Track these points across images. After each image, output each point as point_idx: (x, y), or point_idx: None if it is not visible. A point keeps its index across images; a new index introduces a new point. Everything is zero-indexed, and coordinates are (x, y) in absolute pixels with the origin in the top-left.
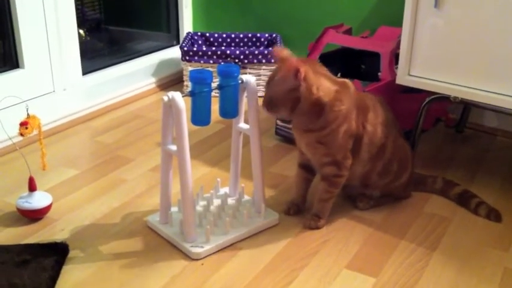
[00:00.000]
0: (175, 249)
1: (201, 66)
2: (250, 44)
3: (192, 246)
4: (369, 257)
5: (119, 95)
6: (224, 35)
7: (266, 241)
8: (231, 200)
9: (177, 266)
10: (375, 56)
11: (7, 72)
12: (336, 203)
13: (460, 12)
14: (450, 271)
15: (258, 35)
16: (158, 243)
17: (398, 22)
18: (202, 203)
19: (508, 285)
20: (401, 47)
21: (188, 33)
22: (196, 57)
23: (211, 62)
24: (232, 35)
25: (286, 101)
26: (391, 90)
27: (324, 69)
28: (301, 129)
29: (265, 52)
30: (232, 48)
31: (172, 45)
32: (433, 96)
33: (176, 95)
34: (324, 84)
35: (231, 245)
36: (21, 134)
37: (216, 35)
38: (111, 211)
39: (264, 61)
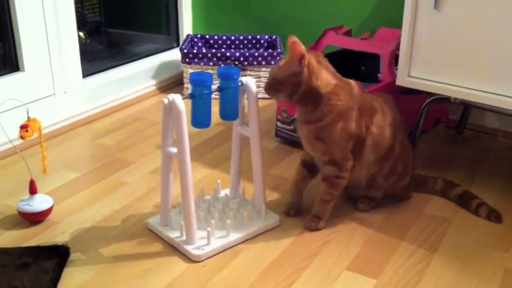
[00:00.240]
0: (176, 252)
1: (201, 69)
2: (250, 46)
3: (193, 249)
4: (370, 258)
5: (119, 97)
6: (224, 37)
7: (267, 243)
8: (232, 202)
9: (178, 269)
10: (374, 58)
11: (7, 75)
12: (336, 204)
13: (460, 13)
14: (451, 272)
15: (258, 37)
16: (159, 246)
17: (397, 23)
18: (203, 205)
19: (509, 286)
20: (401, 48)
21: (188, 36)
22: (196, 60)
23: (211, 64)
24: (232, 37)
25: (287, 85)
26: (391, 92)
27: (328, 63)
28: (301, 120)
29: (265, 54)
30: (232, 50)
31: (172, 48)
32: (433, 97)
33: (176, 98)
34: (324, 75)
35: (232, 247)
36: (22, 137)
37: (216, 37)
38: (112, 213)
39: (264, 63)
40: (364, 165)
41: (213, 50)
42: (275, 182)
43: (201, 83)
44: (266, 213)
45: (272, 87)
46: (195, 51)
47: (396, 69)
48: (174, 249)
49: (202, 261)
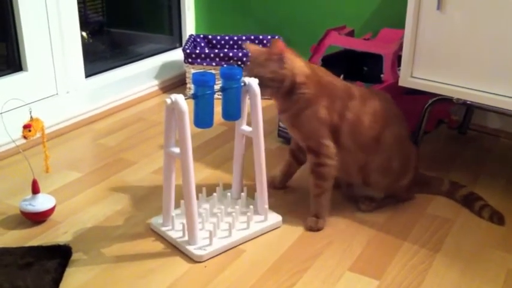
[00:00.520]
0: (178, 252)
1: (204, 69)
2: None
3: (195, 249)
4: (372, 258)
5: (122, 97)
6: (226, 37)
7: (269, 243)
8: (234, 202)
9: (180, 269)
10: (377, 58)
11: (10, 75)
12: (338, 204)
13: (463, 14)
14: (453, 273)
15: (261, 37)
16: (161, 246)
17: (400, 24)
18: (205, 205)
19: (511, 286)
20: (403, 48)
21: (191, 36)
22: (198, 60)
23: (213, 64)
24: (235, 37)
25: (274, 81)
26: (393, 92)
27: (299, 55)
28: (279, 110)
29: None
30: (235, 50)
31: (175, 48)
32: (435, 98)
33: (179, 98)
34: (298, 64)
35: (234, 247)
36: (25, 137)
37: (218, 37)
38: (114, 214)
39: None
40: (348, 154)
41: (216, 50)
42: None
43: (203, 83)
44: (268, 214)
45: (260, 84)
46: (197, 51)
47: (399, 69)
48: (176, 249)
49: (205, 261)
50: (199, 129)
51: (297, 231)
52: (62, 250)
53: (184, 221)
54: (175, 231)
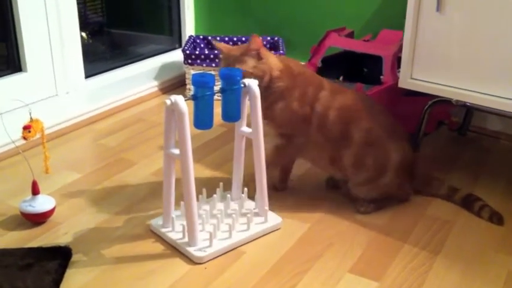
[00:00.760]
0: (178, 253)
1: (203, 70)
2: None
3: (195, 250)
4: (372, 260)
5: (122, 98)
6: (226, 38)
7: (269, 245)
8: (234, 203)
9: (180, 270)
10: (377, 59)
11: (10, 75)
12: (338, 206)
13: (462, 15)
14: (454, 274)
15: (260, 38)
16: (161, 248)
17: (400, 25)
18: (205, 206)
19: None
20: (403, 50)
21: (190, 37)
22: (198, 61)
23: (213, 65)
24: (235, 38)
25: (254, 77)
26: (393, 94)
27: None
28: None
29: None
30: None
31: (175, 49)
32: (435, 100)
33: (179, 99)
34: (274, 60)
35: (234, 248)
36: (24, 138)
37: (218, 38)
38: (114, 215)
39: None
40: (317, 146)
41: (216, 51)
42: None
43: (203, 84)
44: (268, 215)
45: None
46: (197, 52)
47: (398, 71)
48: (176, 250)
49: (205, 263)
50: (199, 130)
51: (297, 232)
52: (62, 251)
53: (184, 223)
54: (175, 233)
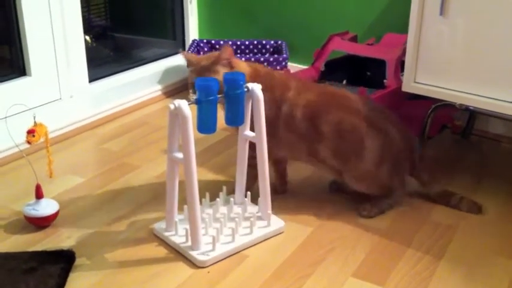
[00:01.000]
0: (181, 257)
1: None
2: (255, 51)
3: (198, 254)
4: (375, 265)
5: (125, 102)
6: (230, 42)
7: (272, 249)
8: (237, 207)
9: (183, 274)
10: (380, 63)
11: (14, 79)
12: (341, 210)
13: (465, 19)
14: (456, 279)
15: (264, 42)
16: (164, 251)
17: (403, 29)
18: (208, 210)
19: None
20: (407, 54)
21: (194, 41)
22: None
23: None
24: (238, 42)
25: None
26: (397, 97)
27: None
28: None
29: (271, 59)
30: (238, 55)
31: (178, 53)
32: (438, 103)
33: (182, 103)
34: (242, 65)
35: (237, 252)
36: (28, 142)
37: (221, 42)
38: (117, 218)
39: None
40: (289, 144)
41: None
42: None
43: (207, 88)
44: (271, 219)
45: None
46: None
47: (402, 75)
48: (179, 254)
49: (208, 267)
50: (202, 134)
51: (300, 236)
52: (65, 255)
53: (188, 226)
54: (178, 237)
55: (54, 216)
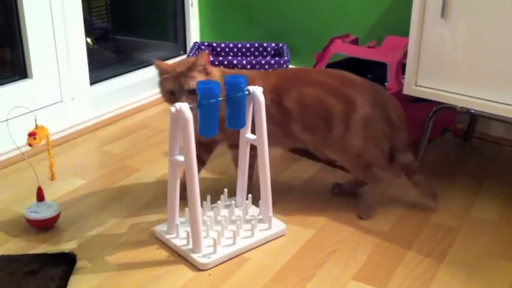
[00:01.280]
0: (182, 260)
1: None
2: (257, 53)
3: (199, 257)
4: (376, 267)
5: (126, 104)
6: (231, 45)
7: (273, 251)
8: (238, 210)
9: (185, 277)
10: (381, 66)
11: (16, 82)
12: (342, 213)
13: (467, 22)
14: (458, 282)
15: (265, 44)
16: (165, 254)
17: (404, 32)
18: (209, 213)
19: None
20: (408, 57)
21: (195, 43)
22: None
23: None
24: (239, 45)
25: None
26: (398, 100)
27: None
28: None
29: (272, 62)
30: (239, 58)
31: (180, 55)
32: (440, 106)
33: (183, 106)
34: (215, 71)
35: (239, 255)
36: (30, 144)
37: (222, 45)
38: (119, 221)
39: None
40: (272, 136)
41: (220, 58)
42: (282, 189)
43: (208, 91)
44: (272, 222)
45: (193, 95)
46: None
47: (403, 78)
48: (180, 257)
49: (209, 269)
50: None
51: (301, 239)
52: (66, 257)
53: (189, 229)
54: (179, 239)
55: (55, 218)
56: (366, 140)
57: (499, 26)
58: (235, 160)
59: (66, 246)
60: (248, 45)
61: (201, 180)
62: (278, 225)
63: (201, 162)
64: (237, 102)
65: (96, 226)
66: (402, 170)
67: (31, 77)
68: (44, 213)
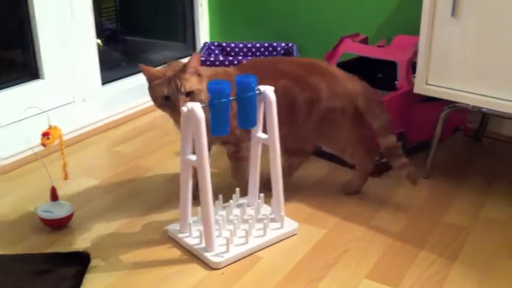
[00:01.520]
0: (195, 259)
1: None
2: (266, 53)
3: (212, 256)
4: (389, 267)
5: (137, 104)
6: (241, 45)
7: (286, 250)
8: (250, 209)
9: (197, 276)
10: (391, 65)
11: (28, 83)
12: (354, 212)
13: (477, 20)
14: (470, 282)
15: (275, 44)
16: (178, 253)
17: (414, 31)
18: (222, 212)
19: None
20: (418, 56)
21: (205, 43)
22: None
23: None
24: (249, 45)
25: (202, 93)
26: (408, 99)
27: None
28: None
29: None
30: (249, 57)
31: (189, 55)
32: (451, 105)
33: (195, 106)
34: (204, 71)
35: (251, 254)
36: (43, 144)
37: (232, 45)
38: (131, 220)
39: None
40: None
41: (230, 58)
42: (293, 189)
43: (219, 91)
44: (285, 221)
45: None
46: (212, 58)
47: (414, 77)
48: (193, 256)
49: (222, 268)
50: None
51: (313, 238)
52: (80, 257)
53: (201, 228)
54: (192, 238)
55: (68, 218)
56: (334, 129)
57: (510, 24)
58: (231, 157)
59: (80, 246)
60: (258, 45)
61: (213, 179)
62: (290, 224)
63: None
64: (248, 102)
65: (109, 225)
66: (385, 154)
67: (43, 78)
68: (57, 212)
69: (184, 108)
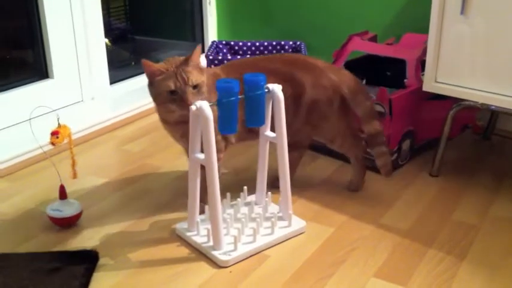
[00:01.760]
0: (203, 257)
1: None
2: (274, 52)
3: (220, 254)
4: (397, 265)
5: (145, 104)
6: (249, 43)
7: (293, 249)
8: (258, 207)
9: (205, 274)
10: (400, 63)
11: (37, 82)
12: (361, 211)
13: (486, 18)
14: (479, 281)
15: (283, 42)
16: (186, 251)
17: (423, 29)
18: (229, 210)
19: None
20: (427, 53)
21: (213, 42)
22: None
23: None
24: (257, 43)
25: (204, 87)
26: (417, 97)
27: None
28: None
29: None
30: (257, 56)
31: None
32: (460, 103)
33: (204, 104)
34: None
35: (259, 252)
36: (53, 143)
37: (240, 43)
38: (140, 219)
39: None
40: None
41: (238, 57)
42: (301, 187)
43: (228, 90)
44: (292, 219)
45: (199, 91)
46: (220, 57)
47: (423, 74)
48: (201, 254)
49: (229, 266)
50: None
51: (321, 237)
52: (89, 255)
53: (209, 226)
54: (200, 237)
55: (77, 216)
56: (323, 120)
57: None
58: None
59: (88, 244)
60: (266, 44)
61: (220, 177)
62: (298, 222)
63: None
64: (256, 100)
65: (118, 224)
66: (368, 140)
67: (52, 77)
68: (66, 211)
69: (192, 107)
